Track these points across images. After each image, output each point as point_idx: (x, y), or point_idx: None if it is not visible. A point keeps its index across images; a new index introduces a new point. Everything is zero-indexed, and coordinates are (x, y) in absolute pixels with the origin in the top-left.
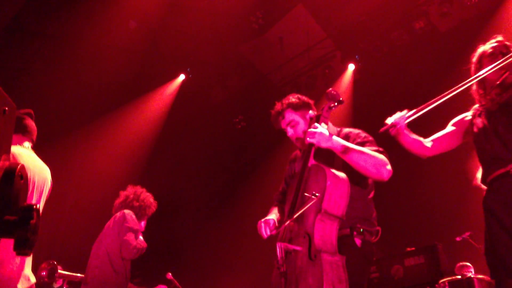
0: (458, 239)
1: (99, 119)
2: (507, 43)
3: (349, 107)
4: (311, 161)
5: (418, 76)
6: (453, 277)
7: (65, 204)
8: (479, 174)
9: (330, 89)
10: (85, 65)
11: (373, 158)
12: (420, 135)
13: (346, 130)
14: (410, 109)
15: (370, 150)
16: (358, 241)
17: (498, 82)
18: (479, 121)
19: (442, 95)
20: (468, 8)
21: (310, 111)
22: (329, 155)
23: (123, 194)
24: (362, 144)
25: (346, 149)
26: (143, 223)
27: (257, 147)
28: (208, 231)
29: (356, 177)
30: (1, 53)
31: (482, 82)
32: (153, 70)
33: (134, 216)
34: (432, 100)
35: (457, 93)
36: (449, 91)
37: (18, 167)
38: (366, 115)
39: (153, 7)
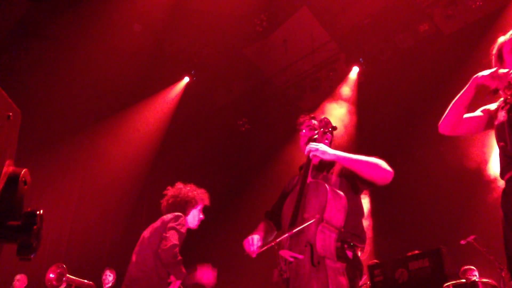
0: (462, 242)
1: (104, 121)
2: None
3: (353, 110)
4: (309, 179)
5: (423, 79)
6: (458, 281)
7: (69, 207)
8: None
9: (324, 117)
10: (90, 68)
11: (374, 162)
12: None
13: None
14: (413, 112)
15: (372, 158)
16: (349, 254)
17: (510, 81)
18: (500, 115)
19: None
20: (473, 10)
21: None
22: (325, 176)
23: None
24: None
25: (350, 158)
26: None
27: (261, 149)
28: (213, 234)
29: (351, 187)
30: (6, 56)
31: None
32: (157, 72)
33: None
34: None
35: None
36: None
37: (22, 172)
38: (370, 117)
39: (157, 10)
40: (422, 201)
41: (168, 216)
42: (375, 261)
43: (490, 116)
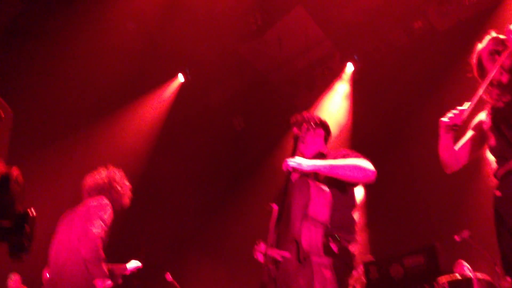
0: (457, 238)
1: (97, 121)
2: (501, 36)
3: (348, 108)
4: (295, 177)
5: (417, 76)
6: (452, 277)
7: (63, 206)
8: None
9: (307, 113)
10: (83, 67)
11: (354, 165)
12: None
13: (340, 151)
14: (408, 108)
15: (351, 159)
16: (334, 247)
17: (495, 83)
18: (487, 119)
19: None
20: (467, 7)
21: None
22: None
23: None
24: (344, 157)
25: (329, 165)
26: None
27: (257, 147)
28: (208, 232)
29: (337, 187)
30: None
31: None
32: (151, 71)
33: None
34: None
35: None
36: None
37: (15, 172)
38: (365, 115)
39: (151, 8)
40: (417, 196)
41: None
42: (370, 258)
43: (481, 128)
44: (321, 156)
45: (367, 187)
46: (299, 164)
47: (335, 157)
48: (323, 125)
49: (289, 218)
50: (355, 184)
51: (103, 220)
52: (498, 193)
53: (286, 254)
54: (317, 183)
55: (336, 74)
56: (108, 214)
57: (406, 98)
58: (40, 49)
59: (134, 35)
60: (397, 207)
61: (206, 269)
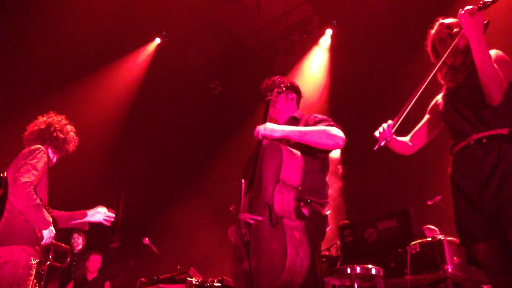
0: (429, 202)
1: (73, 83)
2: (447, 21)
3: (326, 73)
4: (266, 141)
5: (396, 42)
6: (424, 240)
7: None
8: None
9: (277, 77)
10: (57, 30)
11: (323, 131)
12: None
13: (312, 116)
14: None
15: (322, 126)
16: (305, 211)
17: (448, 65)
18: (442, 100)
19: (413, 94)
20: None
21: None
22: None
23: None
24: (316, 123)
25: (298, 131)
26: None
27: (234, 112)
28: (184, 196)
29: (309, 152)
30: None
31: (441, 66)
32: (128, 33)
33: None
34: (408, 102)
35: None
36: (418, 87)
37: None
38: (343, 80)
39: None
40: (392, 164)
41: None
42: (345, 221)
43: (437, 109)
44: (294, 120)
45: (343, 153)
46: (270, 130)
47: (307, 122)
48: (294, 89)
49: (261, 183)
50: (326, 151)
51: (33, 167)
52: (454, 166)
53: (259, 218)
54: (288, 147)
55: (314, 39)
56: (41, 160)
57: (384, 63)
58: (16, 11)
59: None
60: (373, 173)
61: (182, 234)
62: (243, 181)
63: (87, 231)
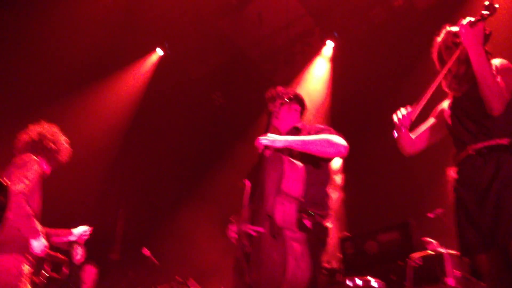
0: (430, 215)
1: (75, 94)
2: (454, 30)
3: (328, 85)
4: (268, 153)
5: (397, 54)
6: (425, 252)
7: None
8: None
9: (279, 87)
10: (58, 39)
11: (325, 140)
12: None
13: (314, 126)
14: (387, 86)
15: (324, 135)
16: (308, 223)
17: (453, 74)
18: (448, 108)
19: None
20: None
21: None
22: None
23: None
24: (318, 133)
25: (300, 141)
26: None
27: (235, 122)
28: (186, 207)
29: (311, 162)
30: None
31: (446, 75)
32: (129, 44)
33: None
34: (425, 92)
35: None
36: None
37: None
38: (344, 92)
39: None
40: (393, 175)
41: None
42: (346, 234)
43: (442, 116)
44: (296, 131)
45: (344, 164)
46: (272, 141)
47: (309, 132)
48: (298, 100)
49: (263, 194)
50: (328, 159)
51: (25, 177)
52: (455, 176)
53: (260, 229)
54: (290, 158)
55: (316, 50)
56: (32, 170)
57: (385, 75)
58: (16, 21)
59: (112, 7)
60: (374, 184)
61: (185, 243)
62: (247, 182)
63: (86, 242)
